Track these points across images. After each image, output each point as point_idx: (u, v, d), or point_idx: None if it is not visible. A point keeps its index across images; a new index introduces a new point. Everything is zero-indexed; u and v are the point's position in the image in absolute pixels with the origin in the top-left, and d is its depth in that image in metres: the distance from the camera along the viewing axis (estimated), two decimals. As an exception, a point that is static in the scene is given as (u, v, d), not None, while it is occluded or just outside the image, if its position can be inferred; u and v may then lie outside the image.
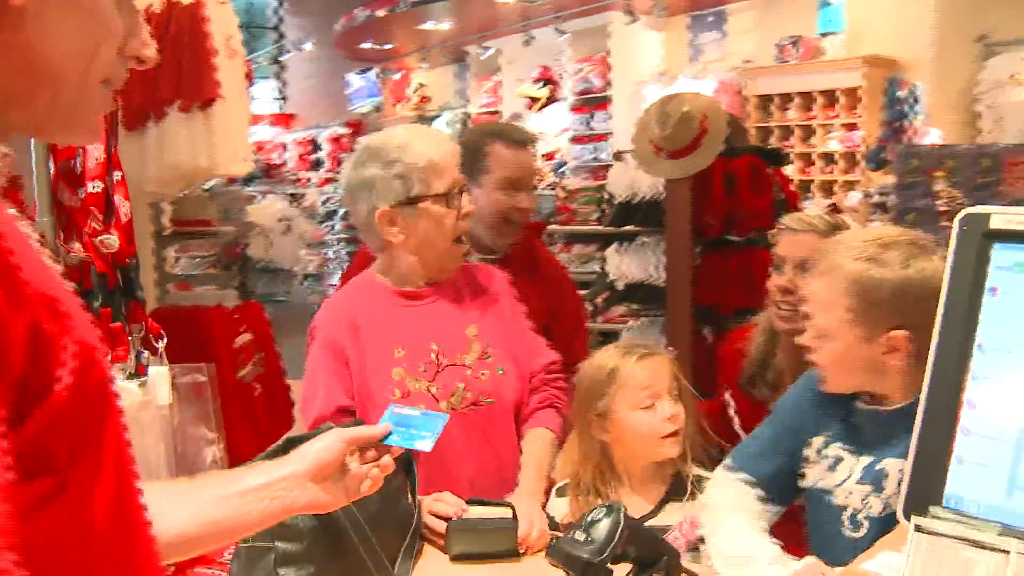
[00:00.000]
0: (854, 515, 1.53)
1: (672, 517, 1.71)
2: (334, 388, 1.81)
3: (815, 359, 1.56)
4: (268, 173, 13.29)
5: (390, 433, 1.24)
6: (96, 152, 1.93)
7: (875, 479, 1.49)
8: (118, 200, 1.94)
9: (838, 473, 1.57)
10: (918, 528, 0.88)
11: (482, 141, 2.35)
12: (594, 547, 1.04)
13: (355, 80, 16.03)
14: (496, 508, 1.66)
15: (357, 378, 1.81)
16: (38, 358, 0.69)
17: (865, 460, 1.53)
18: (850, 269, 1.44)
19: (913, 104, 7.28)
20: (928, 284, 1.27)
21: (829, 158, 8.21)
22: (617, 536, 1.04)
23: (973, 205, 4.12)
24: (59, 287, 0.73)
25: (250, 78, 4.65)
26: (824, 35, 8.15)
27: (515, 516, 1.65)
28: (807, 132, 8.44)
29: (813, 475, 1.63)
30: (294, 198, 12.63)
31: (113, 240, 1.81)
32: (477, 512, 1.65)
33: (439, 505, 1.69)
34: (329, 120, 16.10)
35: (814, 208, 2.13)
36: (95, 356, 0.74)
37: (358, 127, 15.60)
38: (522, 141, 2.35)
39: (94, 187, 1.93)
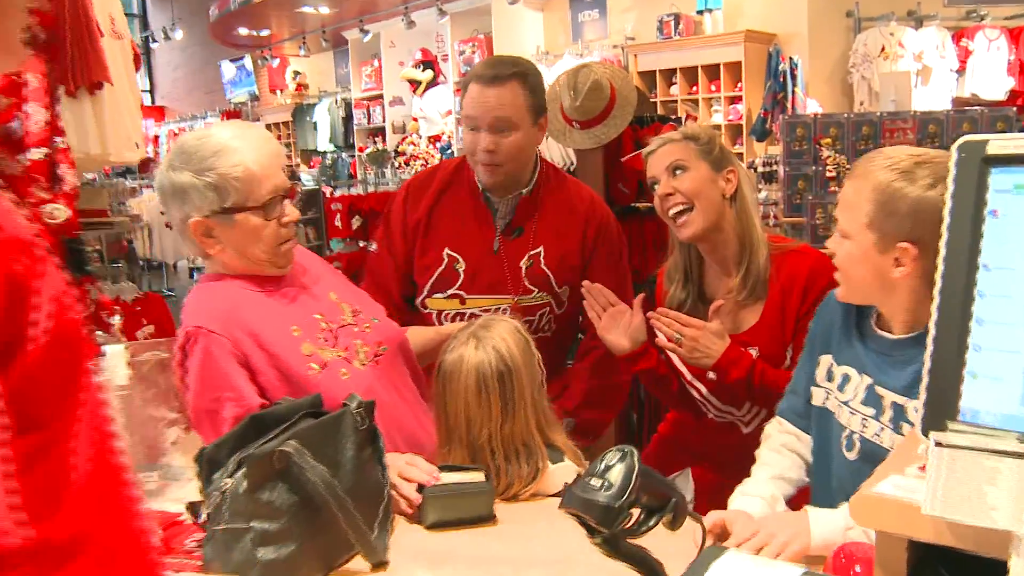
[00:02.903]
0: (850, 436, 1.59)
1: None
2: (247, 389, 1.68)
3: (835, 262, 1.59)
4: (141, 167, 12.71)
5: None
6: (38, 116, 1.79)
7: (874, 404, 1.55)
8: (63, 168, 1.80)
9: (846, 392, 1.63)
10: (938, 443, 0.91)
11: (468, 76, 2.29)
12: (612, 492, 1.03)
13: (229, 69, 15.56)
14: (468, 473, 1.64)
15: (274, 370, 1.71)
16: (14, 303, 0.66)
17: (867, 380, 1.59)
18: (879, 177, 1.49)
19: (793, 76, 7.53)
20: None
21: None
22: (634, 479, 1.04)
23: None
24: (30, 230, 0.71)
25: (138, 61, 4.44)
26: (704, 11, 8.34)
27: (488, 479, 1.64)
28: (691, 106, 8.63)
29: (823, 394, 1.70)
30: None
31: (62, 211, 1.67)
32: (450, 479, 1.63)
33: (413, 471, 1.65)
34: (202, 111, 15.62)
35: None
36: (69, 301, 0.72)
37: (235, 117, 15.18)
38: (490, 77, 2.21)
39: (37, 153, 1.79)
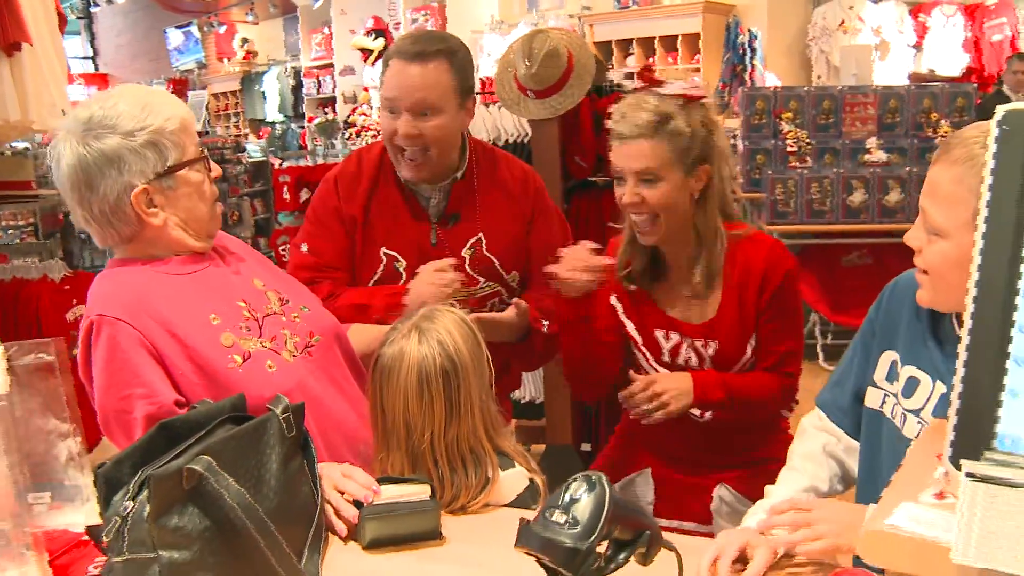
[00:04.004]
0: None
1: None
2: (160, 384, 1.51)
3: (919, 260, 1.36)
4: (83, 136, 12.27)
5: None
6: None
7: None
8: None
9: (913, 399, 1.42)
10: (971, 476, 0.75)
11: (389, 51, 2.04)
12: (579, 530, 0.87)
13: (175, 36, 15.13)
14: (411, 485, 1.46)
15: (190, 363, 1.53)
16: None
17: (942, 389, 1.38)
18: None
19: (751, 49, 7.42)
20: None
21: (671, 104, 8.30)
22: (604, 515, 0.88)
23: (818, 146, 4.08)
24: None
25: (63, 21, 4.15)
26: (661, -19, 8.21)
27: (433, 495, 1.46)
28: (649, 79, 8.48)
29: (880, 396, 1.49)
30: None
31: None
32: (391, 493, 1.45)
33: (349, 484, 1.47)
34: (148, 78, 15.18)
35: (645, 101, 1.83)
36: None
37: (181, 85, 14.76)
38: (413, 54, 1.98)
39: None
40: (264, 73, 13.61)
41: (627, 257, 1.97)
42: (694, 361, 1.93)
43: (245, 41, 14.19)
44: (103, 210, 1.55)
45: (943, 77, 7.84)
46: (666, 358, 1.95)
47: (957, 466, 0.77)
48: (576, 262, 1.86)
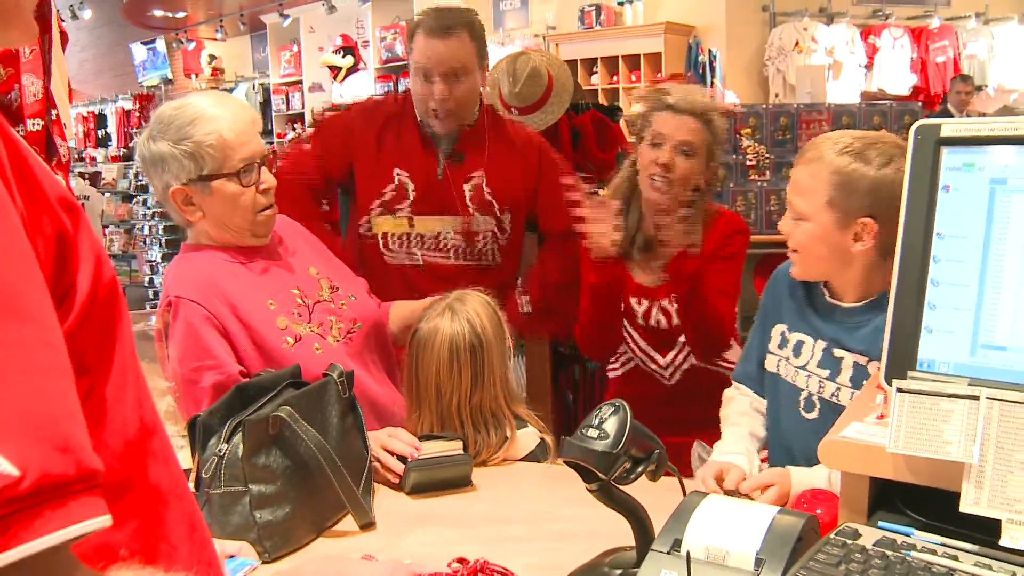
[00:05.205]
0: (809, 397, 1.72)
1: None
2: (227, 357, 1.72)
3: (791, 242, 1.70)
4: (50, 151, 12.28)
5: None
6: (33, 88, 1.79)
7: (831, 366, 1.68)
8: (57, 139, 1.81)
9: (801, 357, 1.75)
10: (900, 390, 1.03)
11: (412, 27, 2.38)
12: (609, 440, 1.14)
13: (139, 51, 15.16)
14: (446, 442, 1.71)
15: (249, 340, 1.76)
16: (64, 260, 0.70)
17: (823, 345, 1.71)
18: (836, 161, 1.60)
19: (711, 68, 7.75)
20: (901, 183, 1.38)
21: (635, 121, 8.58)
22: (627, 429, 1.15)
23: (776, 161, 4.46)
24: (66, 188, 0.75)
25: (65, 39, 4.34)
26: (624, 2, 8.49)
27: (466, 448, 1.72)
28: (612, 96, 8.78)
29: (775, 360, 1.81)
30: (83, 176, 11.84)
31: (59, 183, 1.68)
32: (430, 448, 1.70)
33: (395, 443, 1.72)
34: (113, 94, 15.20)
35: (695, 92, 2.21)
36: (104, 257, 0.77)
37: (148, 101, 14.80)
38: (440, 28, 2.30)
39: (34, 125, 1.79)
40: (232, 89, 13.69)
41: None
42: (664, 322, 2.25)
43: (213, 58, 14.26)
44: (158, 196, 1.82)
45: (892, 96, 8.25)
46: (640, 321, 2.28)
47: (890, 383, 1.05)
48: (602, 225, 2.14)
